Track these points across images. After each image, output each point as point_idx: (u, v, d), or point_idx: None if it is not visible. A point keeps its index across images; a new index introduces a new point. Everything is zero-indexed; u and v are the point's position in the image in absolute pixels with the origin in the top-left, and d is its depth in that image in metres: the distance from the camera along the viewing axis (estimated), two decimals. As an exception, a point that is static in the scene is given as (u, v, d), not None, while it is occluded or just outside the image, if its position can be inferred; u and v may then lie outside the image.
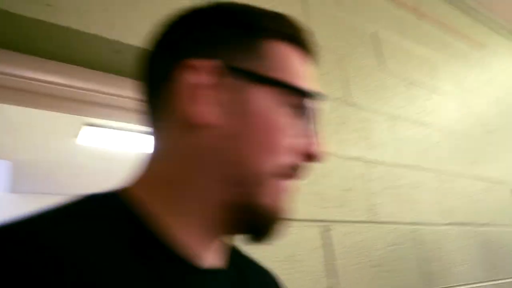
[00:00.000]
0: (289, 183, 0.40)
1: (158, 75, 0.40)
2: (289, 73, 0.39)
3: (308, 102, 0.40)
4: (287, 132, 0.38)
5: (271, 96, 0.38)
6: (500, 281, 1.38)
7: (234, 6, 0.41)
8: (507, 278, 1.38)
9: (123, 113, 0.94)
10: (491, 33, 2.14)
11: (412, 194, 1.28)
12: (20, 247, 0.28)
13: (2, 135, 2.55)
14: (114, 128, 2.44)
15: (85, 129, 2.46)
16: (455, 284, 1.23)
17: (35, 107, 0.84)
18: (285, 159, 0.38)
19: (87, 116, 0.95)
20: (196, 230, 0.38)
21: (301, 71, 0.41)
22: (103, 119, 0.96)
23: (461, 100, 1.72)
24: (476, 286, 1.30)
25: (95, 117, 0.96)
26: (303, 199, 0.98)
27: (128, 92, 0.90)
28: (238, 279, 0.44)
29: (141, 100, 0.42)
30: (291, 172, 0.39)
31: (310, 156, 0.40)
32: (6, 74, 0.77)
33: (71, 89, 0.85)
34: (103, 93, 0.87)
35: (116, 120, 0.96)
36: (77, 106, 0.89)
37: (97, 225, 0.33)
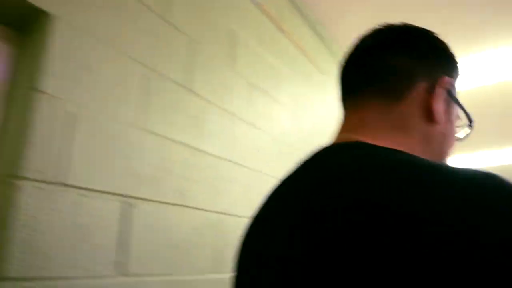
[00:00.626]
0: None
1: (403, 73, 0.53)
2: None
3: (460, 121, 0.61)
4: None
5: (455, 113, 0.57)
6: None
7: (443, 42, 0.57)
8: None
9: None
10: (335, 64, 2.48)
11: (227, 187, 1.38)
12: None
13: None
14: None
15: None
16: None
17: None
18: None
19: None
20: None
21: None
22: None
23: (294, 114, 1.94)
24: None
25: None
26: (110, 171, 0.96)
27: None
28: None
29: (363, 82, 0.55)
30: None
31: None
32: None
33: None
34: None
35: None
36: None
37: None
